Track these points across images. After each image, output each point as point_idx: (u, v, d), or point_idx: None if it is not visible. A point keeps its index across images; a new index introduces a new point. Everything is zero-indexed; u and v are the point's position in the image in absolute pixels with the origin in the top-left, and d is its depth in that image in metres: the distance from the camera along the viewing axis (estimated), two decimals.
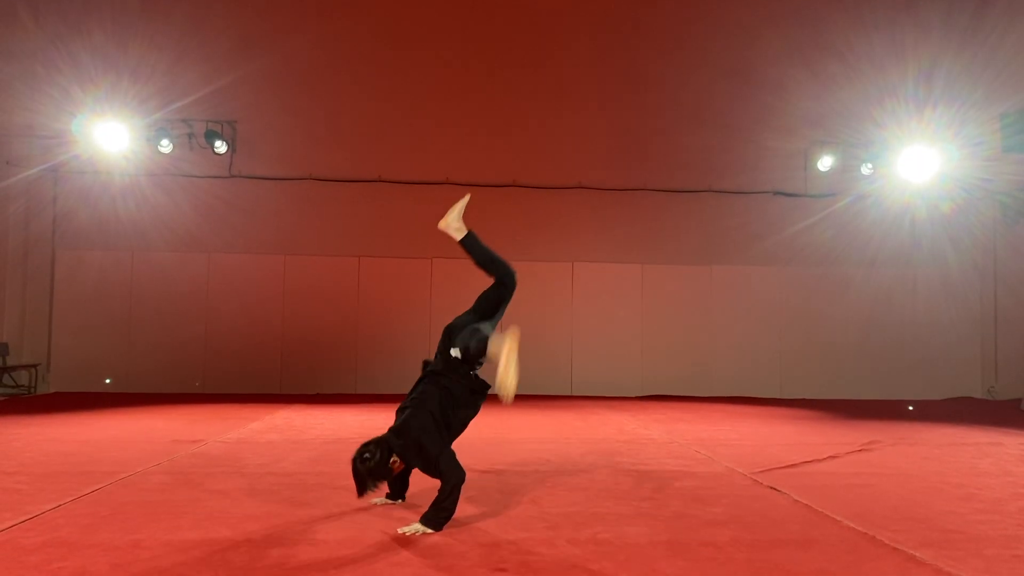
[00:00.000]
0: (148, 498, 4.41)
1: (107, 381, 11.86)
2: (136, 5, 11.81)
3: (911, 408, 10.11)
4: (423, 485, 4.23)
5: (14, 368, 11.37)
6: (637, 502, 4.51)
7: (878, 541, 3.73)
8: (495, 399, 4.09)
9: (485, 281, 5.02)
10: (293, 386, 12.10)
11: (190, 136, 12.02)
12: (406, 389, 4.38)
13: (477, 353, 4.19)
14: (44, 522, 3.82)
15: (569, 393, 12.41)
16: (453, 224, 4.63)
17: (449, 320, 4.50)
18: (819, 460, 6.09)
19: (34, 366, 11.67)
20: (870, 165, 12.60)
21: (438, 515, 3.80)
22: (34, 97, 11.63)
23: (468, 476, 3.93)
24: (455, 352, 4.23)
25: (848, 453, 6.50)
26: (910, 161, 12.10)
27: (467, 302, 5.12)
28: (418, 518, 3.81)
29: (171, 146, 11.81)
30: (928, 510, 4.42)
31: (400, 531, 3.74)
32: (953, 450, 6.82)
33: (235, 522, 3.89)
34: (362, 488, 3.85)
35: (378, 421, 8.47)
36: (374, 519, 4.00)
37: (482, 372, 4.34)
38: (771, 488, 4.94)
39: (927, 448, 6.91)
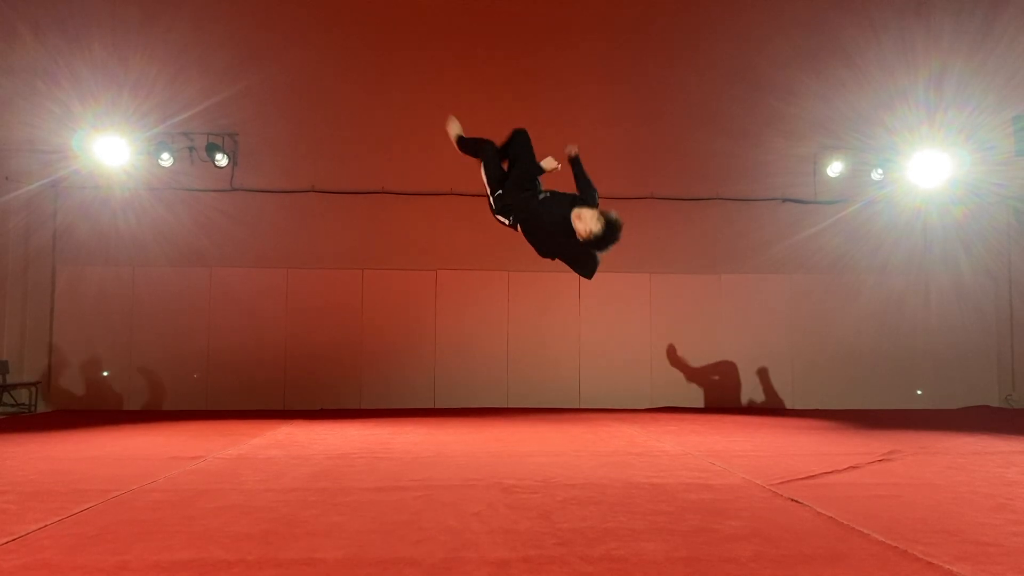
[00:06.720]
0: (139, 517, 4.20)
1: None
2: (136, 19, 11.68)
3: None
4: None
5: (14, 386, 11.21)
6: (652, 516, 4.29)
7: (910, 555, 3.50)
8: None
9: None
10: (297, 401, 11.90)
11: (191, 149, 11.90)
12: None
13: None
14: (26, 544, 3.62)
15: (577, 406, 12.18)
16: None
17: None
18: (839, 471, 5.86)
19: (34, 384, 11.50)
20: (880, 170, 12.42)
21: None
22: (34, 112, 11.52)
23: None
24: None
25: (869, 463, 6.27)
26: (921, 166, 11.95)
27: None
28: None
29: (172, 160, 11.69)
30: (960, 521, 4.19)
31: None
32: (978, 459, 6.58)
33: (229, 541, 3.69)
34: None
35: (383, 436, 8.27)
36: (376, 537, 3.80)
37: None
38: (792, 500, 4.72)
39: (950, 457, 6.68)
